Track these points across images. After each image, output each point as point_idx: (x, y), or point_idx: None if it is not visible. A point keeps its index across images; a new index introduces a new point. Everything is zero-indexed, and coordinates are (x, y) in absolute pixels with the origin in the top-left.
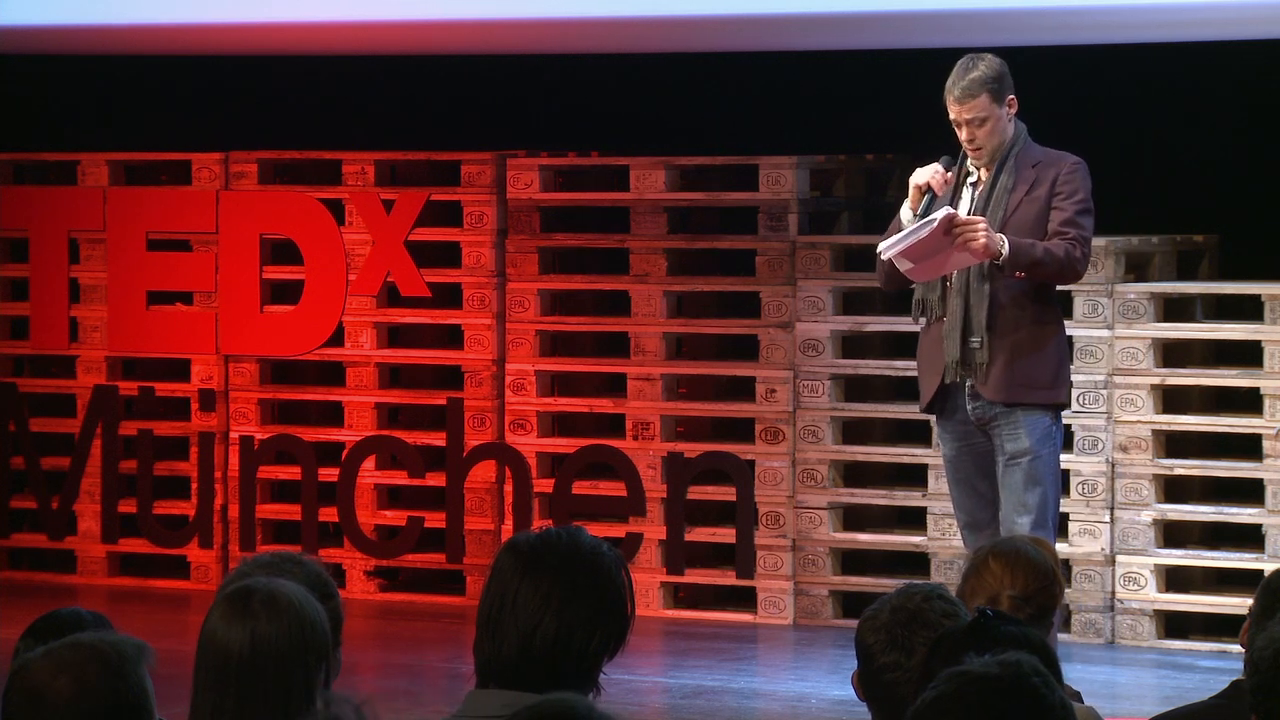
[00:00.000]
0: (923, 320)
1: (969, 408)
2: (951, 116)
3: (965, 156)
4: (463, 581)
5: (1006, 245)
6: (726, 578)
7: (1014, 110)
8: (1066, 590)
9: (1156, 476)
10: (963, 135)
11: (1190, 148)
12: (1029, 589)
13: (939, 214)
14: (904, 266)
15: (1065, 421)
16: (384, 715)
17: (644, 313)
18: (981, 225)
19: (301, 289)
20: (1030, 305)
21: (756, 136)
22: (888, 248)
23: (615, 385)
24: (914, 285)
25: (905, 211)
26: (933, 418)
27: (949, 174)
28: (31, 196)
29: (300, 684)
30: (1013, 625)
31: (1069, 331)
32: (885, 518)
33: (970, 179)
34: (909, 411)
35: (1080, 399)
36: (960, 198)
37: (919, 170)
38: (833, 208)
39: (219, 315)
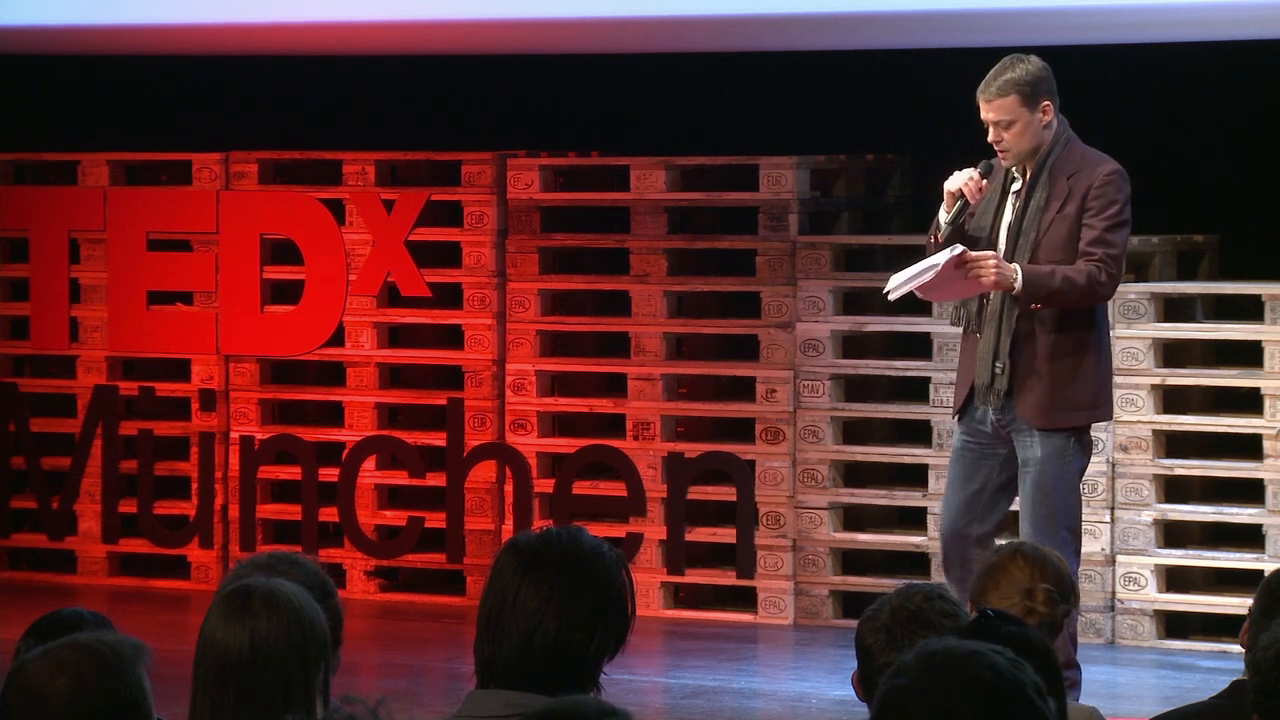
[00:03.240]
0: (960, 326)
1: (991, 412)
2: (981, 115)
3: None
4: (463, 581)
5: (1020, 279)
6: (727, 578)
7: (1048, 117)
8: None
9: (1157, 476)
10: (991, 136)
11: (1190, 148)
12: (1058, 587)
13: (943, 255)
14: (920, 294)
15: None
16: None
17: (644, 313)
18: (991, 262)
19: (302, 289)
20: (1070, 326)
21: (757, 136)
22: (895, 287)
23: (615, 385)
24: None
25: (942, 214)
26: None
27: (985, 180)
28: (32, 196)
29: (300, 684)
30: (1014, 625)
31: None
32: (885, 518)
33: (1014, 187)
34: (909, 411)
35: None
36: (1004, 208)
37: (955, 174)
38: (833, 208)
39: (219, 315)
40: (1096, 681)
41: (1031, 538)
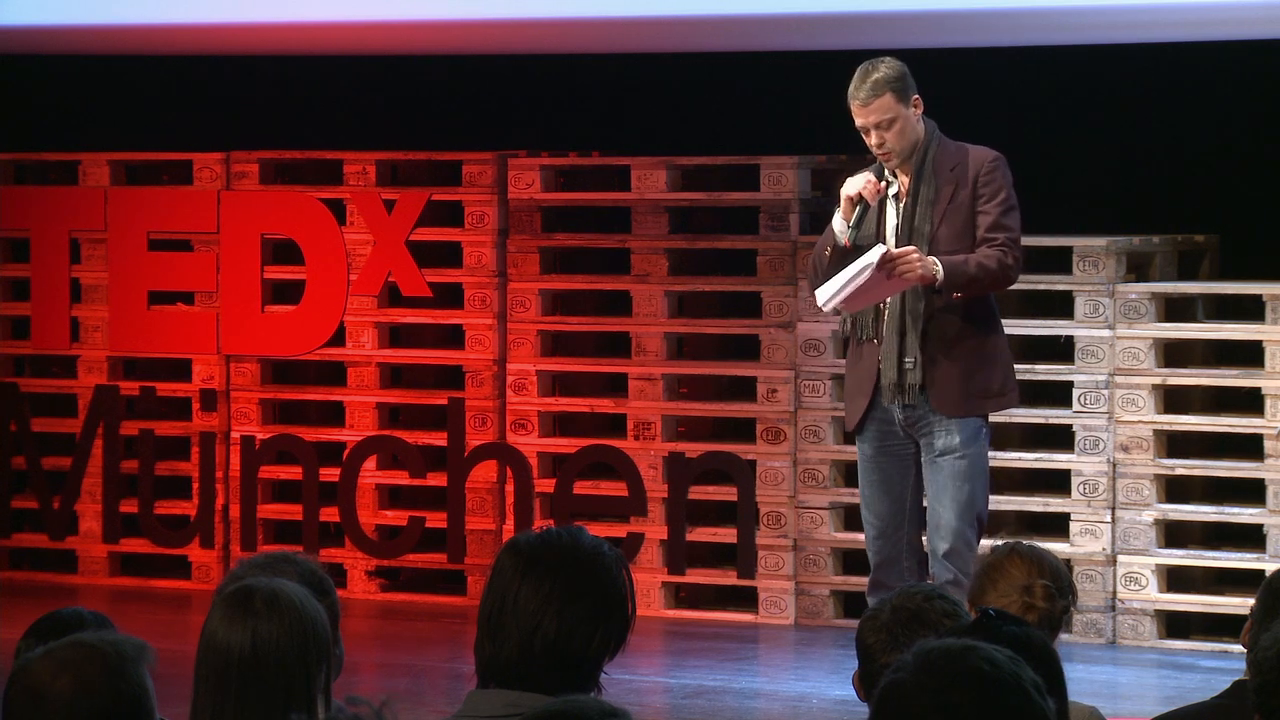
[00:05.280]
0: (849, 335)
1: (898, 410)
2: (858, 123)
3: (883, 166)
4: (464, 581)
5: (941, 270)
6: (728, 578)
7: (920, 110)
8: None
9: (1158, 476)
10: (871, 141)
11: (1191, 148)
12: (1057, 584)
13: (874, 255)
14: (843, 306)
15: (1066, 421)
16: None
17: (645, 313)
18: (915, 256)
19: (303, 289)
20: (971, 315)
21: (758, 136)
22: (828, 299)
23: (616, 385)
24: None
25: (838, 222)
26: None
27: (881, 183)
28: (33, 196)
29: (301, 684)
30: (1014, 625)
31: (1072, 332)
32: None
33: (892, 190)
34: None
35: (1081, 399)
36: (886, 213)
37: (850, 180)
38: (834, 208)
39: (220, 315)
40: (1097, 681)
41: (950, 525)
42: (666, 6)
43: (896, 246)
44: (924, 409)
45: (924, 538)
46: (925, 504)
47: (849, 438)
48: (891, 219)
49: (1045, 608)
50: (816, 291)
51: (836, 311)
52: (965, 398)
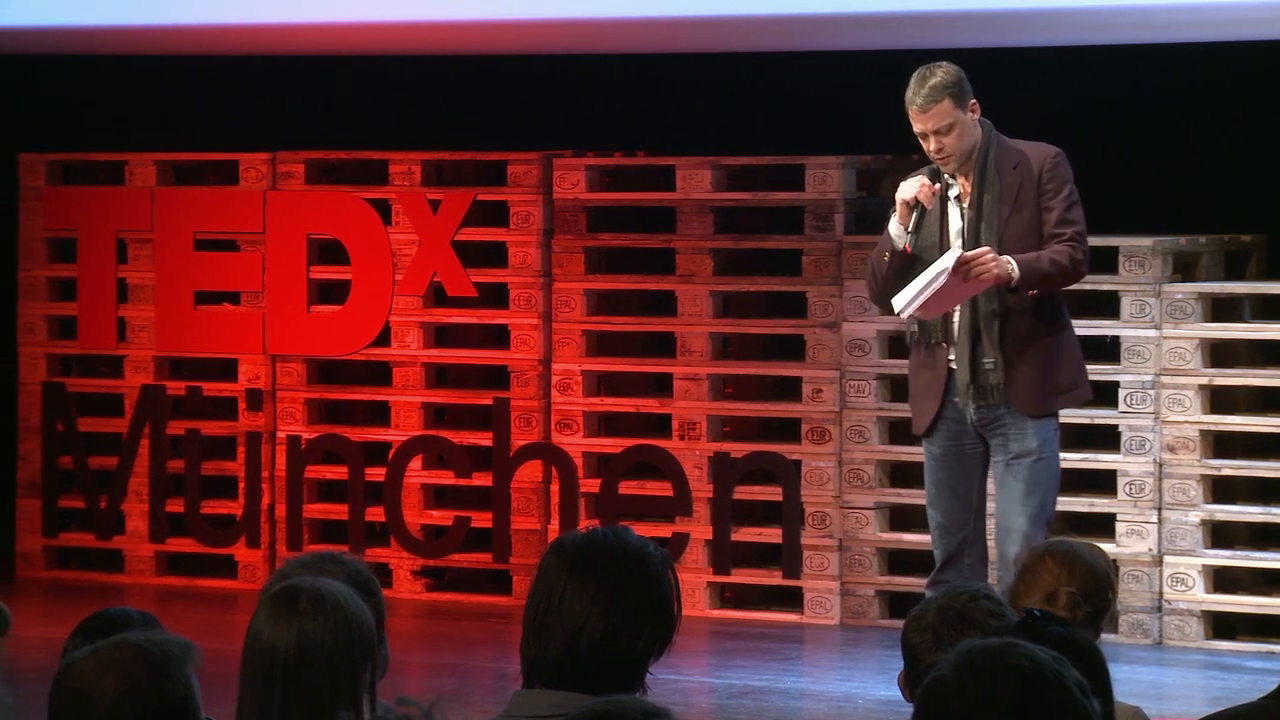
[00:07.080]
0: (915, 339)
1: (972, 410)
2: (916, 129)
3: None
4: (509, 581)
5: (1016, 269)
6: (773, 578)
7: (977, 114)
8: None
9: (1204, 477)
10: (930, 146)
11: (1238, 147)
12: (1086, 588)
13: (949, 260)
14: (920, 312)
15: (1112, 421)
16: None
17: (690, 313)
18: (990, 257)
19: (348, 289)
20: (1042, 313)
21: (803, 136)
22: (906, 305)
23: (661, 385)
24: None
25: (894, 226)
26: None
27: (936, 185)
28: (79, 197)
29: (346, 683)
30: (1059, 625)
31: (1118, 332)
32: None
33: (953, 193)
34: None
35: (1127, 399)
36: (949, 216)
37: (904, 184)
38: (879, 207)
39: (266, 315)
40: (1143, 682)
41: (1022, 529)
42: (712, 7)
43: (965, 249)
44: (1001, 409)
45: (989, 538)
46: (992, 503)
47: (894, 438)
48: (955, 222)
49: (1066, 617)
50: (893, 300)
51: (912, 318)
52: (1043, 395)
